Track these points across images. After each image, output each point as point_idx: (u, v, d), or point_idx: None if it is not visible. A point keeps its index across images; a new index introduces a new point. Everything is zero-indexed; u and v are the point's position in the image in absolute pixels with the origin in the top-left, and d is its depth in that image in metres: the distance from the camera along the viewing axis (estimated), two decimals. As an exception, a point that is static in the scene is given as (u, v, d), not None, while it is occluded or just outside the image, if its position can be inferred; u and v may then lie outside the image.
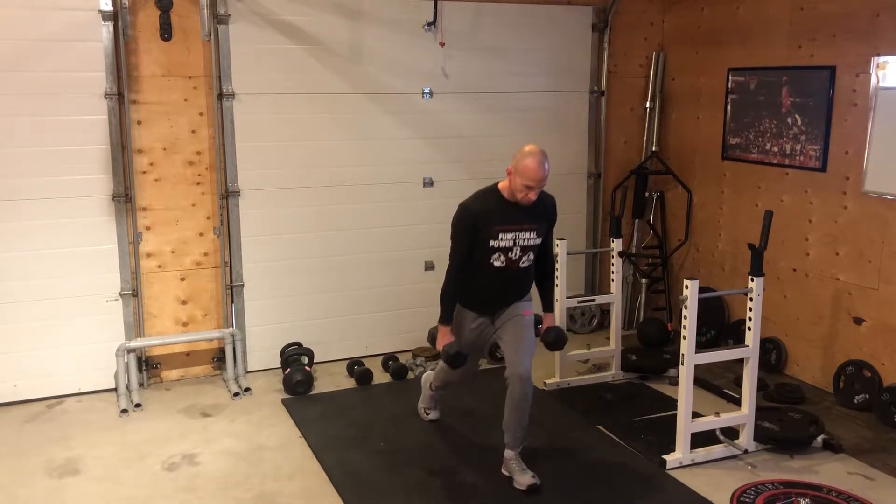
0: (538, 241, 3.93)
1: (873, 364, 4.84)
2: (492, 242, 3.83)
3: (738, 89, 5.67)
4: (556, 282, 5.07)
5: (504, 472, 3.99)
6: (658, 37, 6.40)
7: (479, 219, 3.83)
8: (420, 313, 5.86)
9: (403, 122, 5.68)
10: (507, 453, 3.98)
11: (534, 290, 4.13)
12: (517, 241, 3.86)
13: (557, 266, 5.05)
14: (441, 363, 4.28)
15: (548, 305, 4.21)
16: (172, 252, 5.24)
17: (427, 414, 4.65)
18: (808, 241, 5.24)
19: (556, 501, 3.83)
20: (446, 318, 3.98)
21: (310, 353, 5.46)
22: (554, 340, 4.13)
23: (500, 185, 3.90)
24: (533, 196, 3.77)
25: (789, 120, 5.28)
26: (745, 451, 4.27)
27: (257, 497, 3.89)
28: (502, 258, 3.87)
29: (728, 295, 5.82)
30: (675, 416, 4.21)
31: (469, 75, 5.81)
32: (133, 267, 5.14)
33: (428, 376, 4.64)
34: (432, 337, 4.11)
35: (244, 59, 5.17)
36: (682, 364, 4.11)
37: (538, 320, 4.12)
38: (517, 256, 3.89)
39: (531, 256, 3.94)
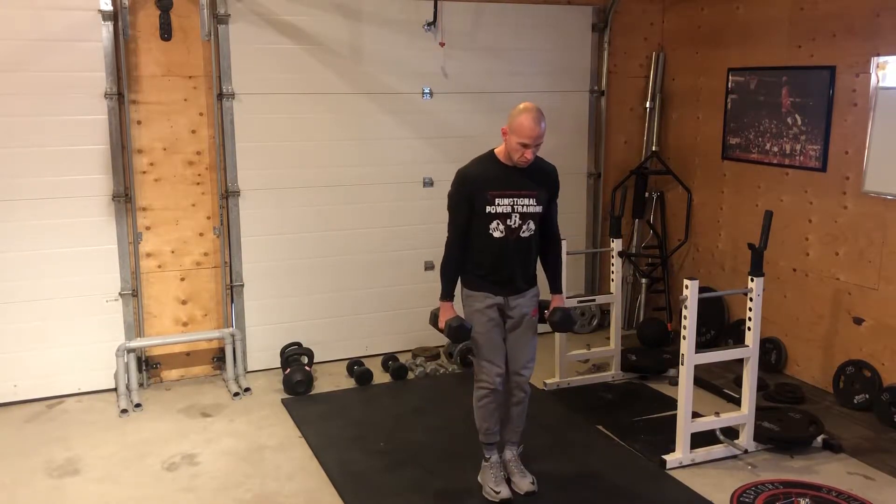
0: (538, 209, 3.71)
1: (873, 364, 4.84)
2: (488, 208, 3.64)
3: (738, 89, 5.67)
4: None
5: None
6: (658, 37, 6.40)
7: (474, 184, 3.66)
8: (420, 313, 5.82)
9: (403, 122, 5.68)
10: (507, 454, 3.96)
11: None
12: (515, 206, 3.66)
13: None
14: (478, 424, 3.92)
15: (555, 287, 3.95)
16: (172, 252, 5.24)
17: (497, 493, 3.83)
18: (808, 241, 5.24)
19: (556, 501, 3.82)
20: (447, 293, 3.77)
21: (310, 353, 5.46)
22: (560, 321, 3.88)
23: (496, 150, 3.75)
24: (529, 155, 3.60)
25: (789, 120, 5.28)
26: (745, 451, 4.27)
27: (257, 497, 3.89)
28: (501, 227, 3.66)
29: (728, 295, 5.82)
30: (675, 416, 4.21)
31: (469, 75, 5.80)
32: (133, 267, 5.14)
33: (483, 478, 3.97)
34: (434, 317, 3.91)
35: (244, 59, 5.17)
36: (682, 364, 4.11)
37: (544, 305, 3.91)
38: (517, 224, 3.67)
39: (532, 226, 3.71)
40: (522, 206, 3.68)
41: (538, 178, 3.73)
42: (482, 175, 3.69)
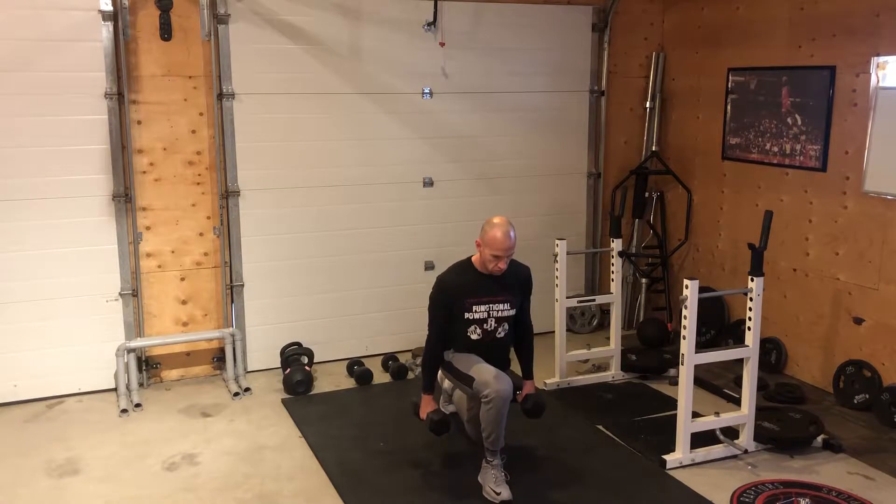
0: (512, 312, 4.00)
1: (873, 364, 4.84)
2: (466, 315, 3.93)
3: (738, 89, 5.67)
4: (556, 293, 5.08)
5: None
6: (658, 37, 6.40)
7: (453, 292, 3.92)
8: (420, 313, 5.77)
9: (403, 122, 5.68)
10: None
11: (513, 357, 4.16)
12: (491, 312, 3.95)
13: (557, 266, 5.06)
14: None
15: (526, 373, 4.20)
16: (172, 252, 5.24)
17: (498, 494, 3.82)
18: (808, 241, 5.24)
19: (556, 501, 3.82)
20: (428, 386, 4.06)
21: (310, 353, 5.46)
22: (532, 407, 3.99)
23: (473, 259, 4.01)
24: (503, 265, 3.86)
25: (789, 120, 5.28)
26: (745, 451, 4.27)
27: (257, 497, 3.89)
28: (478, 330, 3.96)
29: (728, 295, 5.82)
30: (675, 416, 4.21)
31: (469, 75, 5.80)
32: (133, 267, 5.14)
33: (483, 478, 3.99)
34: (415, 406, 4.15)
35: (244, 59, 5.17)
36: (682, 364, 4.11)
37: (518, 386, 4.00)
38: (492, 328, 3.97)
39: (506, 327, 4.01)
40: (498, 311, 3.97)
41: (512, 284, 4.00)
42: (460, 284, 3.95)
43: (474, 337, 3.97)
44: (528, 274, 4.10)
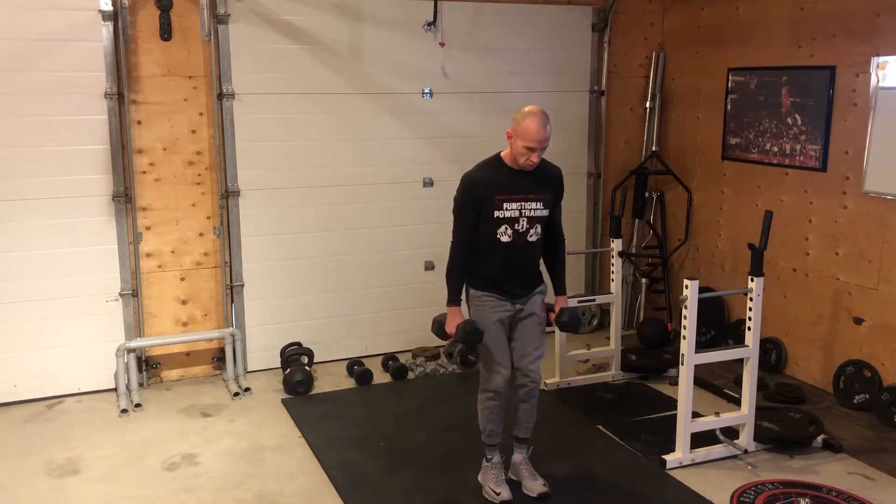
0: (545, 212, 3.70)
1: (873, 364, 4.84)
2: (496, 213, 3.62)
3: (738, 89, 5.67)
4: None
5: (511, 476, 3.95)
6: (658, 37, 6.40)
7: (482, 189, 3.63)
8: (420, 313, 5.86)
9: (403, 122, 5.68)
10: (516, 456, 3.93)
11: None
12: (523, 211, 3.64)
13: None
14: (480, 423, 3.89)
15: (559, 287, 3.93)
16: (172, 252, 5.24)
17: (497, 494, 3.82)
18: (808, 241, 5.24)
19: (557, 502, 3.82)
20: (454, 298, 3.72)
21: (310, 353, 5.46)
22: (568, 321, 3.87)
23: (502, 154, 3.72)
24: (535, 159, 3.58)
25: (789, 120, 5.28)
26: (745, 451, 4.27)
27: (257, 497, 3.89)
28: (509, 231, 3.63)
29: (728, 295, 5.82)
30: (675, 416, 4.21)
31: (469, 75, 5.80)
32: (133, 267, 5.14)
33: (483, 478, 3.96)
34: (439, 324, 3.76)
35: (244, 59, 5.17)
36: (682, 364, 4.11)
37: (549, 307, 3.91)
38: (524, 229, 3.65)
39: (539, 230, 3.70)
40: (530, 210, 3.66)
41: (544, 182, 3.71)
42: (489, 179, 3.66)
43: (504, 239, 3.63)
44: (560, 174, 3.79)
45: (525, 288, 3.77)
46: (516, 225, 3.65)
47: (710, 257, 6.09)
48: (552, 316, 3.90)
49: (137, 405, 4.92)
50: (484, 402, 3.79)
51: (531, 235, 3.69)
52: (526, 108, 3.59)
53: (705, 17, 5.99)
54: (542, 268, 3.91)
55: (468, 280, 3.79)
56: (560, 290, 3.95)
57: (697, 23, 6.06)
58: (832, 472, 4.12)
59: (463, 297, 3.81)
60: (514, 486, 3.91)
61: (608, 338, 5.62)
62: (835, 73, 4.96)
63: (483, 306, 3.74)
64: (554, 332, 5.19)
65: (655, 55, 6.36)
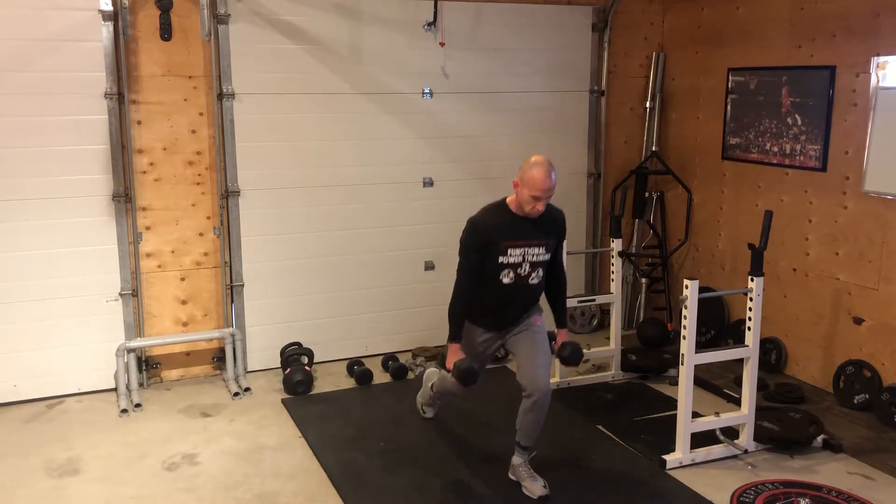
0: (547, 256, 3.86)
1: (873, 364, 4.84)
2: (501, 258, 3.76)
3: (738, 89, 5.67)
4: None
5: (511, 476, 3.96)
6: (658, 37, 6.40)
7: (487, 234, 3.75)
8: (420, 313, 5.87)
9: (403, 122, 5.68)
10: (516, 459, 3.94)
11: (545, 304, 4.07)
12: (526, 256, 3.79)
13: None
14: (445, 373, 4.21)
15: (561, 321, 4.08)
16: (172, 252, 5.24)
17: (424, 412, 4.64)
18: (808, 241, 5.24)
19: (556, 501, 3.82)
20: (456, 334, 3.88)
21: (310, 353, 5.46)
22: (570, 355, 3.98)
23: (508, 200, 3.84)
24: (541, 207, 3.70)
25: (789, 120, 5.28)
26: (745, 451, 4.27)
27: (257, 497, 3.89)
28: (511, 274, 3.79)
29: (728, 295, 5.82)
30: (675, 416, 4.21)
31: (469, 75, 5.80)
32: (133, 267, 5.14)
33: (430, 374, 4.62)
34: (443, 357, 4.08)
35: (244, 59, 5.17)
36: (682, 364, 4.11)
37: (551, 336, 4.02)
38: (526, 272, 3.81)
39: (541, 273, 3.86)
40: (533, 255, 3.81)
41: (548, 227, 3.85)
42: (495, 225, 3.78)
43: (506, 281, 3.78)
44: (562, 218, 3.95)
45: (519, 318, 3.96)
46: (519, 269, 3.80)
47: (710, 257, 6.09)
48: (554, 346, 4.02)
49: (137, 405, 4.92)
50: (436, 397, 4.29)
51: (533, 279, 3.85)
52: (532, 159, 3.71)
53: (705, 17, 5.99)
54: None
55: (467, 314, 3.96)
56: (562, 323, 4.10)
57: (697, 23, 6.06)
58: (832, 472, 4.12)
59: None
60: (515, 486, 3.92)
61: (608, 338, 5.62)
62: (835, 73, 4.96)
63: (471, 337, 3.95)
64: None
65: (655, 55, 6.36)
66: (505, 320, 3.94)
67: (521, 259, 3.79)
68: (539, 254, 3.82)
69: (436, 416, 4.67)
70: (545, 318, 4.02)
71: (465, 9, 5.71)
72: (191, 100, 5.13)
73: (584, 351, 5.31)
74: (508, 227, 3.77)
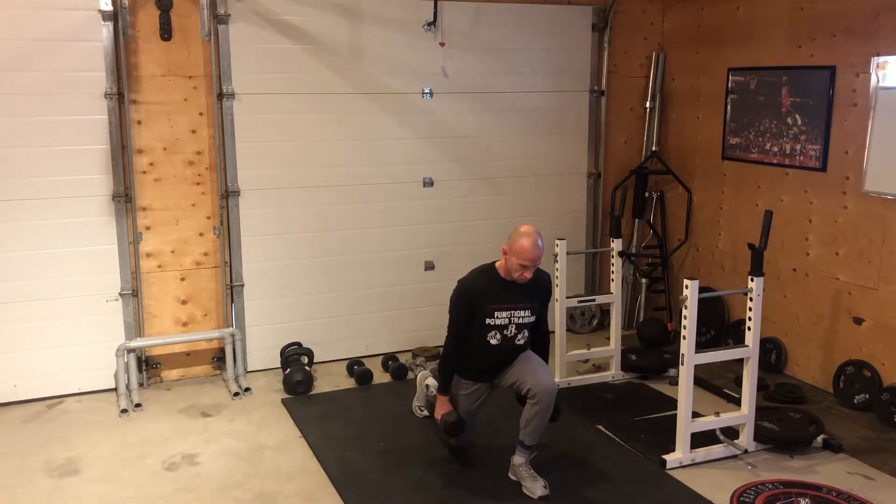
0: (532, 319, 4.01)
1: (873, 364, 4.84)
2: (487, 320, 3.92)
3: (738, 89, 5.67)
4: (556, 293, 5.07)
5: (511, 476, 3.97)
6: (658, 37, 6.40)
7: (475, 297, 3.92)
8: (420, 313, 5.87)
9: (403, 122, 5.68)
10: (517, 458, 3.95)
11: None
12: (512, 319, 3.95)
13: (557, 266, 5.06)
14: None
15: None
16: (172, 252, 5.24)
17: (421, 411, 4.70)
18: (808, 241, 5.24)
19: (556, 501, 3.82)
20: (444, 388, 4.07)
21: (310, 353, 5.46)
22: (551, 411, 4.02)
23: (496, 264, 3.99)
24: (528, 275, 3.86)
25: (789, 120, 5.28)
26: (745, 451, 4.27)
27: (257, 497, 3.89)
28: (498, 336, 3.95)
29: (728, 295, 5.82)
30: (675, 416, 4.21)
31: (469, 75, 5.80)
32: (133, 267, 5.14)
33: (424, 375, 4.65)
34: (431, 406, 4.29)
35: (244, 59, 5.17)
36: (682, 364, 4.11)
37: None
38: (512, 334, 3.97)
39: (526, 333, 4.02)
40: (519, 317, 3.97)
41: (533, 292, 4.00)
42: (483, 289, 3.94)
43: (493, 342, 3.96)
44: (549, 281, 4.12)
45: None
46: (505, 331, 3.96)
47: (710, 257, 6.09)
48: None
49: (137, 405, 4.92)
50: (430, 402, 4.23)
51: (518, 339, 4.01)
52: (522, 229, 3.87)
53: (705, 17, 5.99)
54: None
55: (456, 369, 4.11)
56: None
57: (697, 23, 6.06)
58: (832, 472, 4.12)
59: None
60: (515, 486, 3.91)
61: (608, 338, 5.61)
62: (835, 73, 4.96)
63: (457, 387, 4.11)
64: (554, 332, 5.20)
65: (655, 55, 6.36)
66: (491, 375, 4.09)
67: (507, 321, 3.95)
68: (525, 316, 3.98)
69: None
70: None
71: (465, 9, 5.71)
72: (191, 100, 5.13)
73: (585, 351, 5.38)
74: (496, 291, 3.93)
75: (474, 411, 4.15)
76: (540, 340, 4.16)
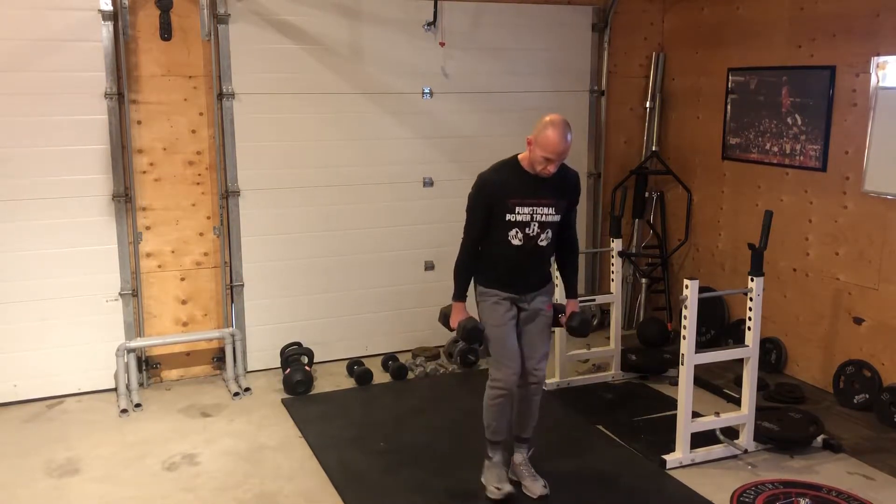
0: (557, 217, 3.70)
1: (873, 364, 4.84)
2: (508, 216, 3.62)
3: (738, 89, 5.67)
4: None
5: (511, 476, 3.95)
6: (658, 37, 6.40)
7: (495, 190, 3.63)
8: (420, 313, 5.86)
9: (403, 122, 5.68)
10: (517, 457, 3.94)
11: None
12: (535, 215, 3.64)
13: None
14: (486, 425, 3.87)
15: (571, 291, 3.95)
16: (172, 252, 5.24)
17: (498, 490, 3.80)
18: (808, 240, 5.24)
19: (557, 501, 3.82)
20: (460, 293, 3.77)
21: (310, 353, 5.46)
22: (578, 326, 3.89)
23: (520, 157, 3.68)
24: (552, 169, 3.56)
25: (789, 120, 5.28)
26: (745, 451, 4.27)
27: (257, 497, 3.89)
28: (520, 234, 3.64)
29: (728, 295, 5.82)
30: (675, 416, 4.21)
31: (469, 75, 5.80)
32: (133, 267, 5.14)
33: (486, 478, 3.94)
34: (444, 316, 3.86)
35: (244, 59, 5.17)
36: (682, 364, 4.11)
37: (559, 309, 3.93)
38: (535, 233, 3.66)
39: (549, 235, 3.71)
40: (542, 215, 3.66)
41: (559, 187, 3.70)
42: (503, 182, 3.65)
43: (515, 242, 3.64)
44: (577, 179, 3.79)
45: (533, 288, 3.79)
46: (527, 229, 3.66)
47: (710, 257, 6.09)
48: (563, 318, 3.93)
49: (137, 405, 4.92)
50: (492, 399, 3.75)
51: (542, 240, 3.70)
52: (548, 118, 3.55)
53: (705, 17, 5.99)
54: (553, 267, 3.91)
55: (477, 277, 3.82)
56: (571, 293, 3.97)
57: (697, 23, 6.06)
58: (832, 472, 4.12)
59: (471, 290, 3.83)
60: (515, 486, 3.90)
61: (608, 338, 5.61)
62: (835, 73, 4.96)
63: (488, 300, 3.77)
64: (554, 332, 5.20)
65: (655, 55, 6.36)
66: (517, 284, 3.75)
67: (529, 217, 3.63)
68: (548, 213, 3.66)
69: (514, 491, 3.89)
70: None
71: (465, 9, 5.71)
72: (191, 100, 5.13)
73: (585, 351, 5.37)
74: (517, 185, 3.62)
75: (509, 332, 3.73)
76: (569, 248, 3.88)
